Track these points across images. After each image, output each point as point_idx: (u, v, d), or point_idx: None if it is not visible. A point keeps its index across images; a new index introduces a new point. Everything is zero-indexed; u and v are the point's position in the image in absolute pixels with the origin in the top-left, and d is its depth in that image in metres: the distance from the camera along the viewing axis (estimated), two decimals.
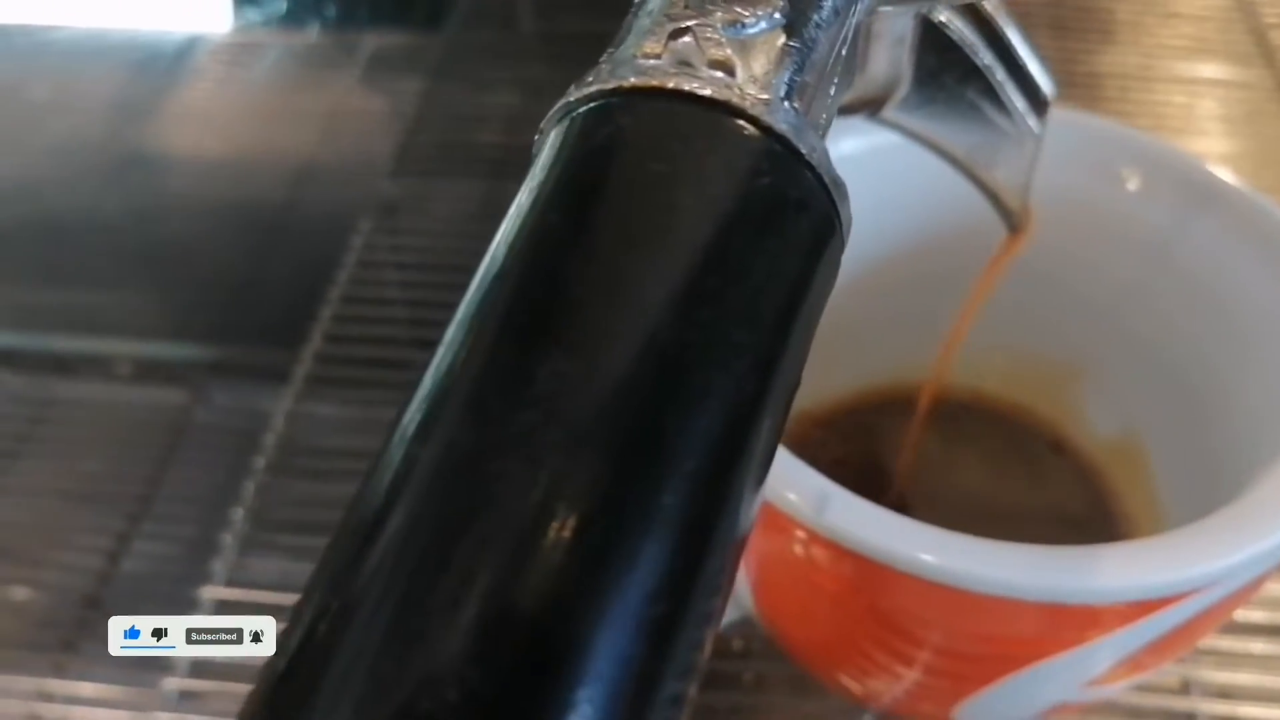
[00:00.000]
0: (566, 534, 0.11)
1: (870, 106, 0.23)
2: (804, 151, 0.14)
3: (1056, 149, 0.25)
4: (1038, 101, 0.23)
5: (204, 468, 0.48)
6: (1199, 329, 0.29)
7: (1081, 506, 0.33)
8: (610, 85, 0.14)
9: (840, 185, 0.15)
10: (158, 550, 0.45)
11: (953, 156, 0.24)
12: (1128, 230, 0.30)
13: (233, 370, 0.53)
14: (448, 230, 0.51)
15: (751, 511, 0.13)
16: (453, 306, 0.44)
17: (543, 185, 0.14)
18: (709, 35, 0.14)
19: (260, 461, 0.39)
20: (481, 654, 0.10)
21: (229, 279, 0.55)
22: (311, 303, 0.46)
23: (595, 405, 0.12)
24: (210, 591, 0.36)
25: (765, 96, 0.14)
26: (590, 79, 0.15)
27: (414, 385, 0.13)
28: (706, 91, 0.14)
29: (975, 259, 0.27)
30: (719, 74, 0.14)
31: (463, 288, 0.45)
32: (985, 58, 0.22)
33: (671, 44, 0.14)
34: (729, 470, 0.12)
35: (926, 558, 0.22)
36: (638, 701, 0.11)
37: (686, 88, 0.14)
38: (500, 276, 0.13)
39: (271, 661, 0.11)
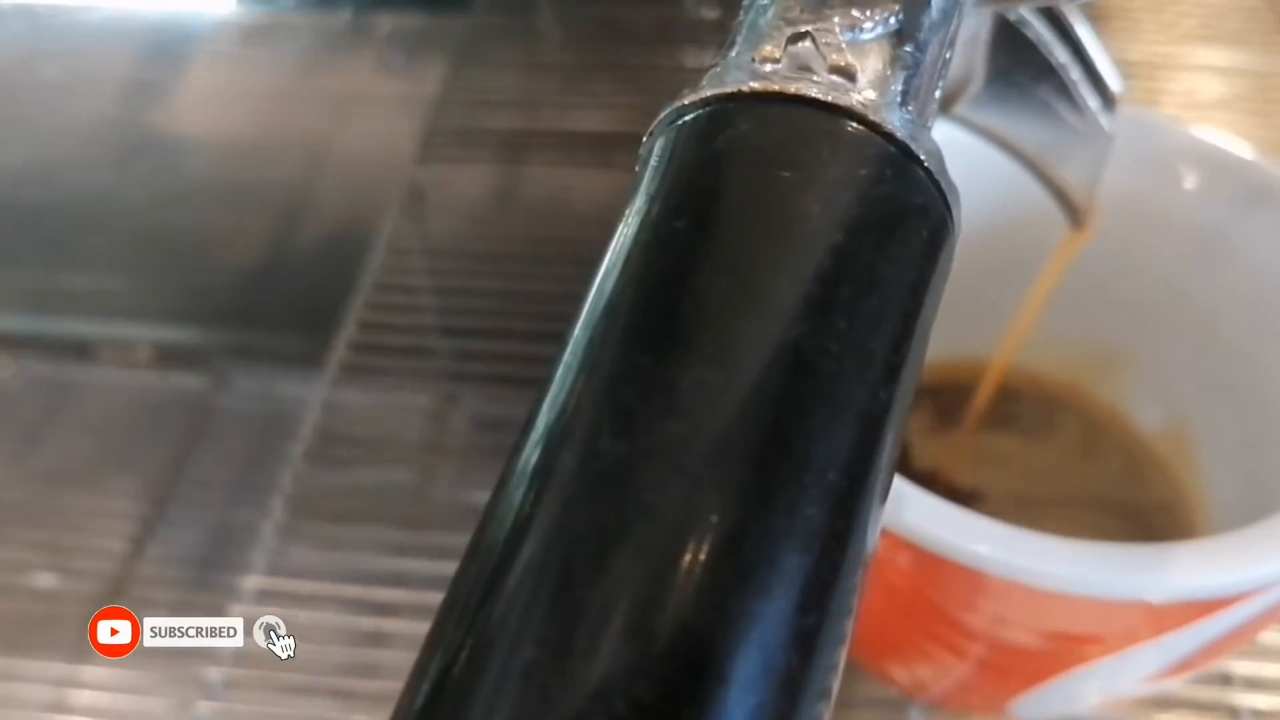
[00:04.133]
0: (719, 546, 0.11)
1: (941, 104, 0.23)
2: (922, 157, 0.14)
3: (1115, 145, 0.25)
4: (1107, 98, 0.23)
5: (226, 454, 0.48)
6: (1251, 325, 0.29)
7: (1131, 493, 0.33)
8: (729, 90, 0.14)
9: (954, 189, 0.15)
10: (183, 536, 0.45)
11: (1022, 154, 0.24)
12: (1183, 227, 0.30)
13: (254, 356, 0.52)
14: (476, 216, 0.50)
15: (879, 523, 0.13)
16: (485, 294, 0.43)
17: (662, 189, 0.14)
18: (828, 40, 0.14)
19: (298, 449, 0.39)
20: (636, 667, 0.10)
21: (250, 264, 0.55)
22: (340, 288, 0.46)
23: (740, 415, 0.12)
24: (252, 581, 0.35)
25: (884, 101, 0.14)
26: (703, 83, 0.15)
27: (542, 390, 0.13)
28: (829, 98, 0.14)
29: (1032, 253, 0.27)
30: (839, 79, 0.14)
31: (494, 274, 0.44)
32: (1060, 56, 0.22)
33: (791, 48, 0.14)
34: (865, 481, 0.12)
35: (993, 554, 0.22)
36: (789, 711, 0.11)
37: (810, 94, 0.14)
38: (627, 282, 0.13)
39: (409, 691, 0.11)
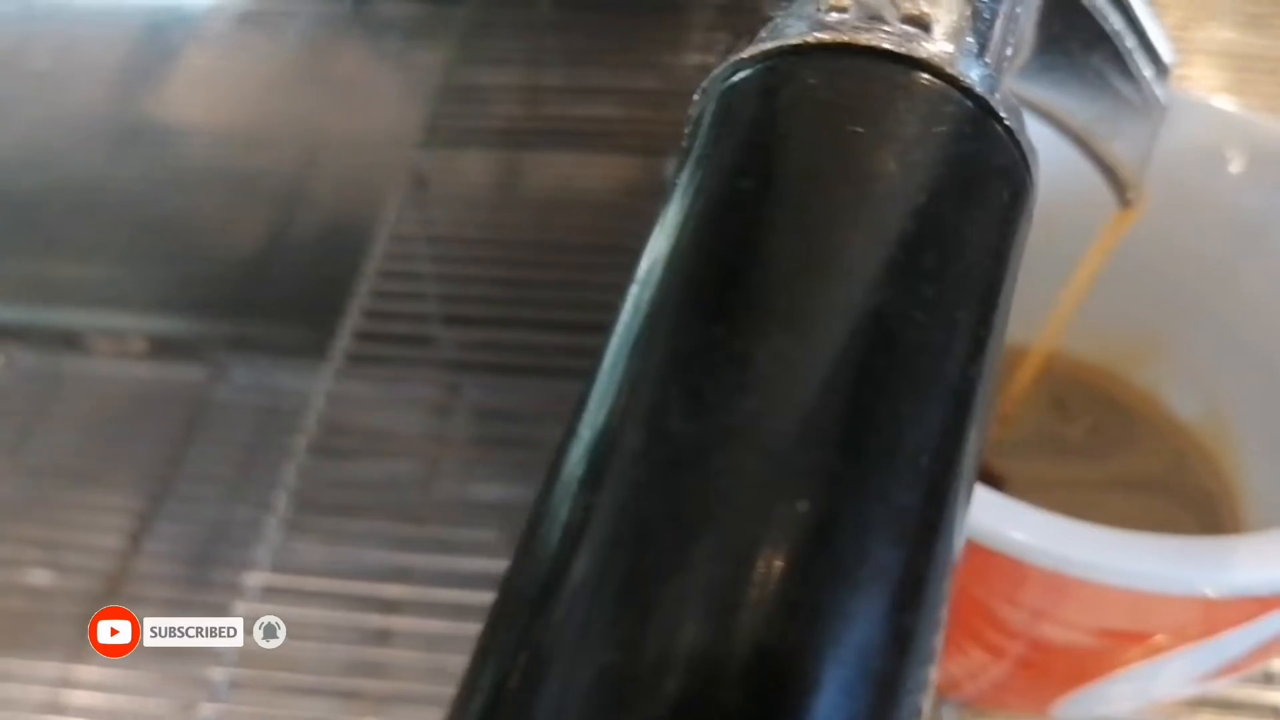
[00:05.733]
0: (808, 537, 0.10)
1: None
2: (1003, 114, 0.13)
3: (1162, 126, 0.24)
4: (1160, 68, 0.22)
5: (225, 447, 0.47)
6: None
7: (1170, 480, 0.32)
8: (791, 42, 0.13)
9: (1033, 149, 0.14)
10: (182, 533, 0.44)
11: (1071, 128, 0.22)
12: (1228, 212, 0.29)
13: (253, 346, 0.51)
14: (480, 203, 0.49)
15: (966, 517, 0.12)
16: (489, 282, 0.42)
17: (720, 150, 0.13)
18: None
19: (300, 441, 0.38)
20: (719, 673, 0.09)
21: (249, 253, 0.53)
22: (343, 277, 0.44)
23: (824, 391, 0.11)
24: (255, 578, 0.34)
25: (960, 54, 0.13)
26: (761, 35, 0.13)
27: (594, 366, 0.12)
28: (903, 49, 0.13)
29: (1074, 236, 0.26)
30: (913, 30, 0.13)
31: (498, 262, 0.43)
32: (1114, 23, 0.21)
33: None
34: (957, 466, 0.11)
35: (1039, 543, 0.21)
36: (884, 717, 0.10)
37: (882, 45, 0.13)
38: (689, 249, 0.12)
39: (459, 705, 0.10)
